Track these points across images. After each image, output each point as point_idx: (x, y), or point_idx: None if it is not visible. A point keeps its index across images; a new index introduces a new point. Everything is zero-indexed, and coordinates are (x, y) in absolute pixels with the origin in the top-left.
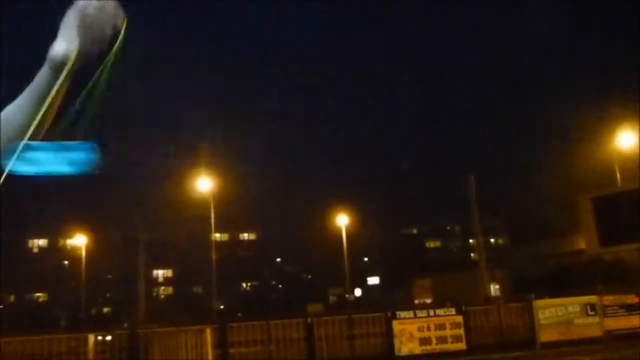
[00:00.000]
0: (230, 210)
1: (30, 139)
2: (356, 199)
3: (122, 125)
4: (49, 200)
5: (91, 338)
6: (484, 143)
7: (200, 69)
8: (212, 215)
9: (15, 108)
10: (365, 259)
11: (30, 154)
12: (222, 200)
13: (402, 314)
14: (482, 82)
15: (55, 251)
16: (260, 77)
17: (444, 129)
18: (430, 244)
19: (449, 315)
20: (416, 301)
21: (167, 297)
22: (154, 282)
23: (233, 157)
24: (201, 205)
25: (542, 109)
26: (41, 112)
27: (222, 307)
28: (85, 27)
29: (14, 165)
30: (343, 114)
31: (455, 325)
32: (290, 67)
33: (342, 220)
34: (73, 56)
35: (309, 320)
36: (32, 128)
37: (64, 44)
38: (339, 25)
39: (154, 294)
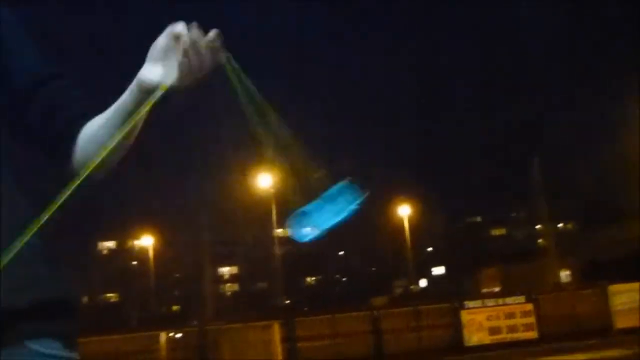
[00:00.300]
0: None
1: (114, 159)
2: (418, 189)
3: (186, 128)
4: (115, 202)
5: (163, 336)
6: (547, 125)
7: (263, 63)
8: (274, 211)
9: (101, 124)
10: (430, 249)
11: (308, 221)
12: (284, 195)
13: (470, 303)
14: (543, 64)
15: (124, 252)
16: (320, 66)
17: (505, 112)
18: (496, 232)
19: (519, 303)
20: (483, 290)
21: (234, 293)
22: (220, 280)
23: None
24: (263, 202)
25: (601, 88)
26: (127, 132)
27: (287, 302)
28: (183, 67)
29: (296, 235)
30: (401, 102)
31: (526, 314)
32: (355, 58)
33: (405, 211)
34: (167, 86)
35: (375, 313)
36: (114, 146)
37: (157, 74)
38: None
39: (221, 291)
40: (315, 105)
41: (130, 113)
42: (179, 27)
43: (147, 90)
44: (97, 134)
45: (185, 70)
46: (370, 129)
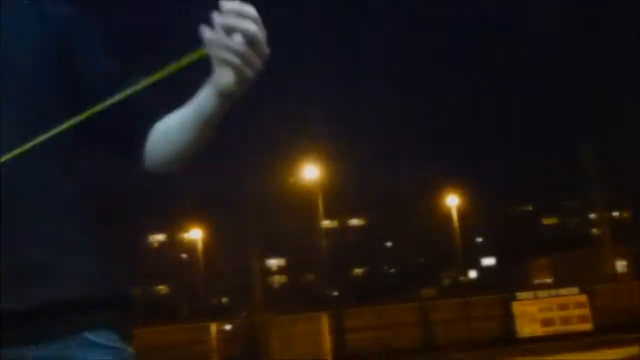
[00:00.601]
0: (339, 197)
1: (189, 157)
2: (467, 177)
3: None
4: (165, 196)
5: (213, 327)
6: (601, 109)
7: (307, 55)
8: (321, 203)
9: (176, 124)
10: (479, 239)
11: None
12: (330, 186)
13: (522, 295)
14: (597, 49)
15: (173, 245)
16: (366, 58)
17: (557, 96)
18: (547, 221)
19: (573, 294)
20: (535, 281)
21: (282, 285)
22: (268, 272)
23: (339, 143)
24: (309, 193)
25: None
26: (203, 132)
27: (335, 293)
28: (242, 69)
29: None
30: (448, 89)
31: (580, 305)
32: (395, 46)
33: (452, 201)
34: (238, 88)
35: (424, 304)
36: (192, 146)
37: (227, 77)
38: None
39: (269, 283)
40: (366, 94)
41: (208, 115)
42: (207, 34)
43: (219, 93)
44: (171, 133)
45: (238, 72)
46: (419, 117)
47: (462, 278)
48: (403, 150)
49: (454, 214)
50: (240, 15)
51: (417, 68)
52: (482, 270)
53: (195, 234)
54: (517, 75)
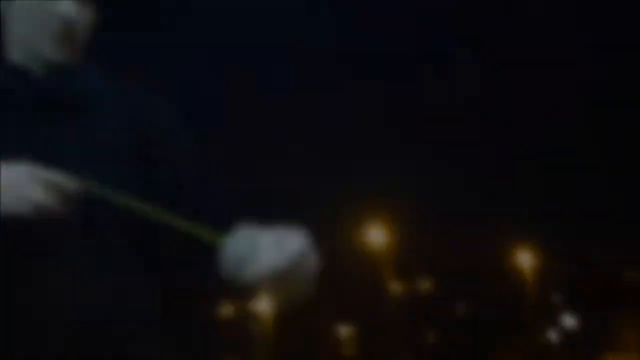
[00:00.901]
0: (408, 260)
1: None
2: (540, 231)
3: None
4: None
5: None
6: None
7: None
8: (389, 268)
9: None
10: (557, 296)
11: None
12: (398, 250)
13: (609, 356)
14: None
15: (242, 317)
16: (426, 107)
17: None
18: (632, 275)
19: None
20: (621, 339)
21: (354, 356)
22: (338, 341)
23: (406, 205)
24: (378, 258)
25: None
26: None
27: None
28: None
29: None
30: (516, 141)
31: None
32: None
33: (524, 259)
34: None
35: None
36: None
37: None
38: None
39: (339, 353)
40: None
41: None
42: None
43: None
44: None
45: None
46: (486, 170)
47: (542, 339)
48: (471, 208)
49: (526, 271)
50: (304, 258)
51: (487, 121)
52: (563, 330)
53: (263, 305)
54: (592, 114)
